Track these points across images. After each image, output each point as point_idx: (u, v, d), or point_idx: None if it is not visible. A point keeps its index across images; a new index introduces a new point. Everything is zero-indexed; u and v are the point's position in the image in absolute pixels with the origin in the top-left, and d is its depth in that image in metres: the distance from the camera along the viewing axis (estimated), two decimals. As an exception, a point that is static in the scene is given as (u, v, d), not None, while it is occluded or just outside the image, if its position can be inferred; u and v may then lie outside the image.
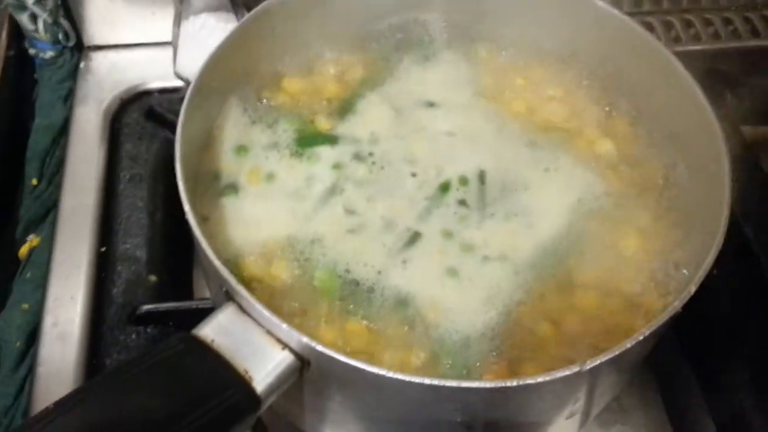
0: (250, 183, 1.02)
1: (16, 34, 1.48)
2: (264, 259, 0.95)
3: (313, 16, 1.12)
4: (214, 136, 1.05)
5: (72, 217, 1.27)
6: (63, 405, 0.74)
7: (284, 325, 0.78)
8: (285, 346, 0.80)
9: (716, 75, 1.40)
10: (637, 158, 1.05)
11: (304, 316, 0.90)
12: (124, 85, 1.48)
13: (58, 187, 1.32)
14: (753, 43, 1.53)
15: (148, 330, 1.18)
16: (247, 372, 0.78)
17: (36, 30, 1.46)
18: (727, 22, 1.55)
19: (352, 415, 0.91)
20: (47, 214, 1.32)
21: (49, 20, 1.45)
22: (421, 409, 0.84)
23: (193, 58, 1.29)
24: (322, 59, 1.14)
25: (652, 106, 1.05)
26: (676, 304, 0.80)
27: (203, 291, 1.28)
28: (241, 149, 1.04)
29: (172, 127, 0.92)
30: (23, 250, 1.29)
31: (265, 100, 1.09)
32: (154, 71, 1.49)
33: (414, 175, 1.03)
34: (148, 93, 1.48)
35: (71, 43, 1.51)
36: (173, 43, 1.33)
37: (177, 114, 0.93)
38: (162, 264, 1.26)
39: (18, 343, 1.17)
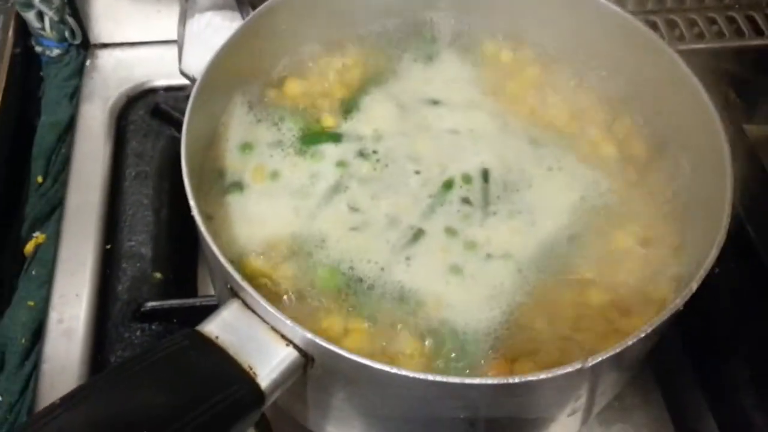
0: (255, 181, 1.02)
1: (23, 31, 1.48)
2: (268, 256, 0.95)
3: (317, 14, 1.12)
4: (219, 133, 1.05)
5: (77, 214, 1.28)
6: (68, 401, 0.74)
7: (288, 322, 0.79)
8: (289, 342, 0.80)
9: (720, 74, 1.41)
10: (639, 157, 1.05)
11: (309, 312, 0.90)
12: (130, 83, 1.49)
13: (63, 185, 1.33)
14: (757, 42, 1.53)
15: (153, 327, 1.18)
16: (251, 368, 0.78)
17: (42, 28, 1.46)
18: (731, 20, 1.56)
19: (356, 412, 0.91)
20: (53, 211, 1.33)
21: (56, 18, 1.45)
22: (424, 405, 0.84)
23: (199, 56, 1.30)
24: (326, 57, 1.14)
25: (656, 105, 1.05)
26: (678, 302, 0.81)
27: (208, 288, 1.28)
28: (246, 147, 1.05)
29: (178, 125, 0.92)
30: (29, 247, 1.30)
31: (269, 98, 1.10)
32: (160, 69, 1.49)
33: (418, 172, 1.03)
34: (153, 91, 1.48)
35: (77, 41, 1.52)
36: (178, 42, 1.33)
37: (182, 112, 0.94)
38: (167, 261, 1.26)
39: (23, 340, 1.17)
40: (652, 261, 0.96)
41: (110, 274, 1.23)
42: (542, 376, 0.76)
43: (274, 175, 1.03)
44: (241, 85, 1.08)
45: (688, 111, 0.98)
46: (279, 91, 1.11)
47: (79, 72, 1.50)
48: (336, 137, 1.06)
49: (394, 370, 0.76)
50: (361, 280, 0.94)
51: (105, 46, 1.55)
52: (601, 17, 1.07)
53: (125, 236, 1.27)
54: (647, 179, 1.02)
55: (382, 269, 0.94)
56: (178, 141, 0.91)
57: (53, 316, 1.17)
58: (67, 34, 1.49)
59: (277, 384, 0.79)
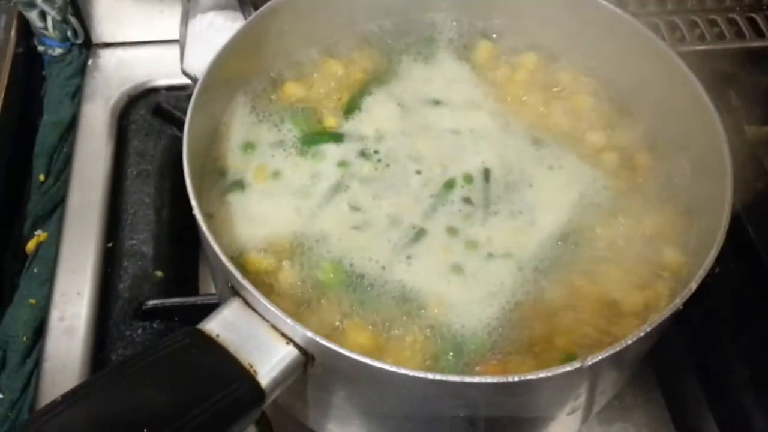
0: (257, 180, 1.02)
1: (25, 31, 1.49)
2: (269, 254, 0.95)
3: (319, 14, 1.12)
4: (220, 133, 1.06)
5: (79, 212, 1.28)
6: (69, 399, 0.74)
7: (289, 320, 0.79)
8: (290, 340, 0.80)
9: (720, 75, 1.41)
10: (639, 156, 1.05)
11: (309, 311, 0.91)
12: (132, 82, 1.49)
13: (65, 183, 1.33)
14: (757, 43, 1.54)
15: (154, 325, 1.19)
16: (251, 366, 0.79)
17: (45, 27, 1.47)
18: (732, 22, 1.56)
19: (356, 411, 0.92)
20: (54, 209, 1.33)
21: (58, 18, 1.46)
22: (424, 404, 0.85)
23: (201, 56, 1.30)
24: (328, 57, 1.14)
25: (656, 106, 1.06)
26: (677, 302, 0.81)
27: (209, 286, 1.29)
28: (248, 147, 1.05)
29: (179, 124, 0.93)
30: (30, 246, 1.30)
31: (271, 98, 1.10)
32: (162, 69, 1.50)
33: (419, 172, 1.04)
34: (155, 90, 1.49)
35: (80, 41, 1.52)
36: (180, 42, 1.34)
37: (184, 111, 0.94)
38: (168, 260, 1.27)
39: (25, 338, 1.18)
40: (652, 260, 0.96)
41: (111, 273, 1.23)
42: (541, 375, 0.76)
43: (276, 174, 1.03)
44: (242, 85, 1.09)
45: (689, 111, 0.99)
46: (281, 91, 1.11)
47: (81, 71, 1.51)
48: (337, 137, 1.06)
49: (393, 369, 0.76)
50: (361, 278, 0.94)
51: (107, 45, 1.55)
52: (602, 18, 1.07)
53: (127, 235, 1.27)
54: (647, 179, 1.03)
55: (383, 268, 0.95)
56: (179, 140, 0.91)
57: (55, 314, 1.17)
58: (69, 33, 1.49)
59: (277, 382, 0.79)
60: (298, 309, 0.91)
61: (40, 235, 1.31)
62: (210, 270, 1.18)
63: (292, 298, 0.92)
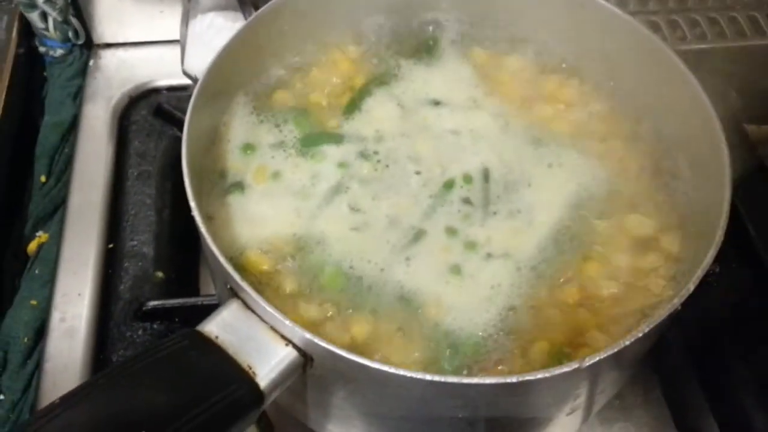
0: (256, 181, 1.02)
1: (27, 32, 1.49)
2: (269, 256, 0.95)
3: (319, 15, 1.12)
4: (220, 134, 1.06)
5: (80, 213, 1.29)
6: (69, 399, 0.74)
7: (287, 321, 0.79)
8: (288, 342, 0.80)
9: (721, 74, 1.41)
10: (639, 156, 1.05)
11: (308, 312, 0.91)
12: (133, 83, 1.49)
13: (66, 184, 1.33)
14: (758, 42, 1.53)
15: (155, 326, 1.19)
16: (250, 368, 0.79)
17: (46, 28, 1.47)
18: (733, 21, 1.56)
19: (356, 411, 0.92)
20: (56, 210, 1.33)
21: (59, 18, 1.46)
22: (423, 405, 0.85)
23: (201, 57, 1.30)
24: (328, 58, 1.15)
25: (655, 105, 1.06)
26: (675, 302, 0.81)
27: (209, 287, 1.29)
28: (248, 148, 1.05)
29: (180, 125, 0.93)
30: (32, 247, 1.30)
31: (271, 99, 1.10)
32: (163, 69, 1.50)
33: (418, 173, 1.04)
34: (156, 91, 1.49)
35: (81, 41, 1.52)
36: (181, 42, 1.34)
37: (185, 112, 0.94)
38: (169, 261, 1.27)
39: (26, 339, 1.18)
40: (651, 260, 0.96)
41: (112, 274, 1.23)
42: (540, 375, 0.76)
43: (276, 175, 1.03)
44: (242, 85, 1.09)
45: (688, 111, 0.98)
46: (281, 92, 1.11)
47: (83, 72, 1.51)
48: (337, 138, 1.06)
49: (392, 370, 0.76)
50: (360, 279, 0.94)
51: (108, 46, 1.55)
52: (601, 18, 1.07)
53: (127, 236, 1.28)
54: (646, 179, 1.03)
55: (382, 270, 0.95)
56: (180, 141, 0.91)
57: (56, 315, 1.18)
58: (70, 34, 1.50)
59: (276, 384, 0.80)
60: (297, 310, 0.91)
61: (42, 236, 1.31)
62: (210, 271, 1.18)
63: (291, 299, 0.92)
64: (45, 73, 1.52)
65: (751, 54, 1.51)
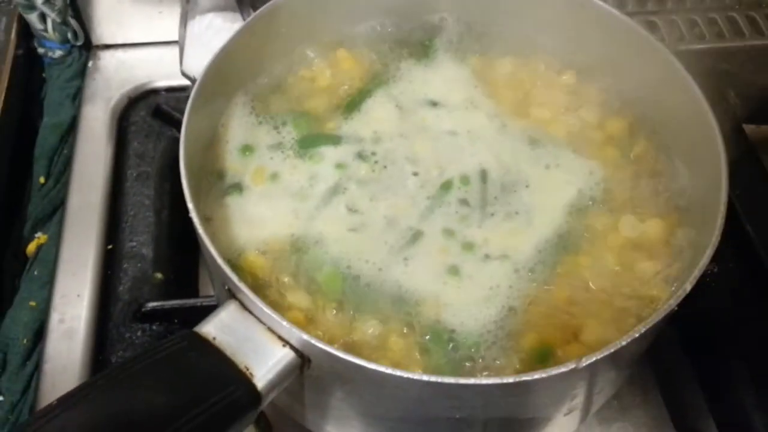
0: (255, 183, 1.03)
1: (25, 33, 1.49)
2: (267, 257, 0.96)
3: (318, 16, 1.13)
4: (219, 135, 1.06)
5: (79, 214, 1.29)
6: (67, 401, 0.75)
7: (285, 323, 0.79)
8: (286, 343, 0.81)
9: (720, 74, 1.41)
10: (637, 157, 1.05)
11: (305, 313, 0.91)
12: (132, 84, 1.49)
13: (65, 185, 1.33)
14: (757, 41, 1.54)
15: (154, 327, 1.19)
16: (248, 369, 0.79)
17: (45, 29, 1.47)
18: (731, 21, 1.56)
19: (353, 412, 0.92)
20: (55, 211, 1.33)
21: (58, 20, 1.46)
22: (420, 405, 0.85)
23: (200, 58, 1.30)
24: (326, 59, 1.15)
25: (653, 105, 1.06)
26: (672, 302, 0.81)
27: (209, 288, 1.29)
28: (246, 149, 1.05)
29: (179, 126, 0.93)
30: (31, 248, 1.30)
31: (270, 100, 1.10)
32: (162, 70, 1.50)
33: (416, 174, 1.04)
34: (155, 91, 1.49)
35: (80, 43, 1.52)
36: (180, 43, 1.34)
37: (183, 113, 0.94)
38: (168, 262, 1.27)
39: (25, 340, 1.18)
40: (648, 261, 0.96)
41: (111, 275, 1.23)
42: (537, 376, 0.76)
43: (274, 176, 1.03)
44: (241, 86, 1.09)
45: (685, 112, 0.99)
46: (279, 93, 1.11)
47: (81, 73, 1.51)
48: (335, 139, 1.07)
49: (389, 371, 0.76)
50: (358, 279, 0.94)
51: (107, 47, 1.55)
52: (598, 19, 1.07)
53: (126, 237, 1.28)
54: (643, 179, 1.03)
55: (380, 270, 0.95)
56: (179, 142, 0.92)
57: (55, 316, 1.18)
58: (69, 35, 1.50)
59: (273, 385, 0.80)
60: (294, 311, 0.91)
61: (41, 237, 1.31)
62: (208, 272, 1.18)
63: (288, 300, 0.92)
64: (44, 75, 1.52)
65: (750, 54, 1.52)
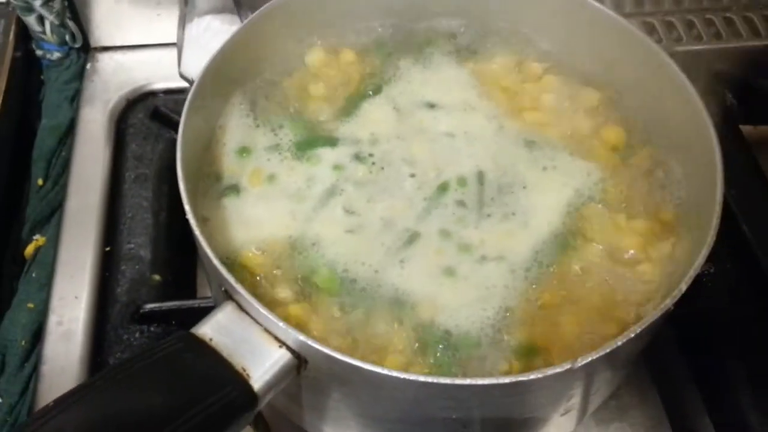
0: (252, 184, 1.03)
1: (23, 35, 1.49)
2: (263, 259, 0.96)
3: (315, 18, 1.13)
4: (216, 137, 1.06)
5: (77, 216, 1.29)
6: (64, 401, 0.75)
7: (281, 324, 0.79)
8: (282, 344, 0.81)
9: (717, 75, 1.41)
10: (633, 158, 1.05)
11: (302, 314, 0.91)
12: (130, 86, 1.49)
13: (63, 188, 1.33)
14: (754, 42, 1.54)
15: (152, 329, 1.19)
16: (244, 370, 0.79)
17: (43, 32, 1.47)
18: (729, 22, 1.56)
19: (350, 413, 0.92)
20: (53, 214, 1.33)
21: (56, 22, 1.46)
22: (417, 406, 0.85)
23: (198, 60, 1.30)
24: (324, 60, 1.15)
25: (649, 106, 1.06)
26: (668, 302, 0.81)
27: (206, 290, 1.29)
28: (244, 151, 1.05)
29: (177, 128, 0.93)
30: (29, 250, 1.30)
31: (267, 102, 1.10)
32: (160, 72, 1.50)
33: (413, 175, 1.04)
34: (153, 94, 1.49)
35: (78, 45, 1.52)
36: (178, 45, 1.34)
37: (181, 115, 0.95)
38: (166, 263, 1.27)
39: (23, 342, 1.18)
40: (645, 261, 0.96)
41: (109, 277, 1.24)
42: (532, 376, 0.77)
43: (271, 178, 1.03)
44: (238, 88, 1.09)
45: (681, 113, 0.99)
46: (276, 95, 1.11)
47: (80, 75, 1.51)
48: (332, 141, 1.07)
49: (385, 372, 0.77)
50: (354, 281, 0.94)
51: (105, 49, 1.55)
52: (593, 20, 1.07)
53: (124, 239, 1.28)
54: (640, 180, 1.03)
55: (376, 271, 0.95)
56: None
57: (53, 318, 1.18)
58: (67, 37, 1.50)
59: (270, 385, 0.80)
60: (291, 312, 0.91)
61: (39, 239, 1.31)
62: (205, 274, 1.18)
63: (285, 301, 0.92)
64: (42, 77, 1.52)
65: (747, 55, 1.52)
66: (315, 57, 1.15)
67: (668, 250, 0.96)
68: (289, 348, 0.81)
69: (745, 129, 1.35)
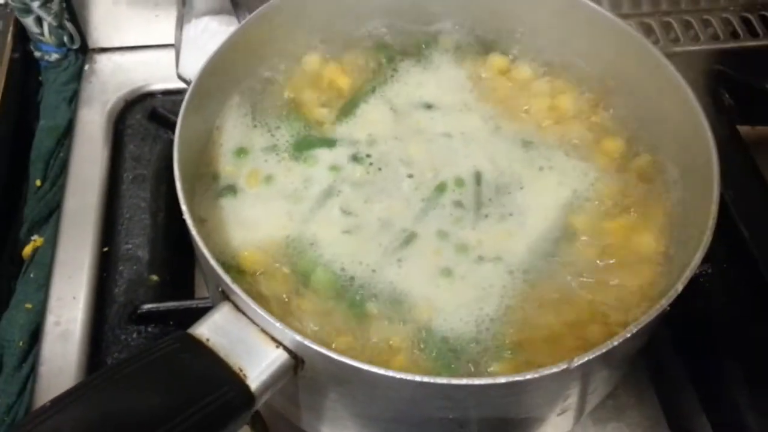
0: (249, 185, 1.03)
1: (22, 36, 1.49)
2: (260, 259, 0.96)
3: (313, 18, 1.13)
4: (213, 138, 1.06)
5: (75, 217, 1.29)
6: (61, 401, 0.75)
7: (278, 324, 0.79)
8: (279, 344, 0.81)
9: (714, 75, 1.41)
10: (630, 159, 1.05)
11: (299, 314, 0.91)
12: (128, 87, 1.49)
13: (61, 188, 1.33)
14: (751, 43, 1.54)
15: (149, 329, 1.19)
16: (241, 370, 0.79)
17: (41, 33, 1.47)
18: (726, 22, 1.56)
19: (347, 413, 0.92)
20: (51, 214, 1.33)
21: (54, 23, 1.46)
22: (413, 405, 0.85)
23: (196, 61, 1.30)
24: (321, 62, 1.15)
25: (646, 107, 1.06)
26: (663, 303, 0.81)
27: (204, 291, 1.29)
28: (241, 151, 1.05)
29: (175, 129, 0.93)
30: (27, 250, 1.31)
31: (264, 103, 1.10)
32: (158, 73, 1.50)
33: (410, 176, 1.04)
34: (151, 95, 1.49)
35: (76, 46, 1.53)
36: (176, 46, 1.34)
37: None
38: (163, 264, 1.27)
39: (21, 342, 1.18)
40: (643, 261, 0.96)
41: (107, 277, 1.24)
42: (528, 376, 0.77)
43: (268, 179, 1.03)
44: (235, 89, 1.09)
45: (678, 114, 0.99)
46: (274, 96, 1.11)
47: (78, 76, 1.51)
48: (330, 142, 1.07)
49: (381, 372, 0.77)
50: (352, 282, 0.94)
51: (103, 50, 1.55)
52: (590, 21, 1.07)
53: (122, 239, 1.28)
54: (636, 180, 1.03)
55: (374, 271, 0.95)
56: (174, 144, 0.92)
57: (50, 318, 1.18)
58: (65, 38, 1.50)
59: (267, 386, 0.80)
60: (288, 312, 0.91)
61: (37, 240, 1.31)
62: (202, 274, 1.18)
63: (282, 301, 0.93)
64: (40, 78, 1.52)
65: (745, 55, 1.52)
66: (312, 58, 1.15)
67: (664, 251, 0.96)
68: (285, 348, 0.81)
69: (743, 129, 1.34)
